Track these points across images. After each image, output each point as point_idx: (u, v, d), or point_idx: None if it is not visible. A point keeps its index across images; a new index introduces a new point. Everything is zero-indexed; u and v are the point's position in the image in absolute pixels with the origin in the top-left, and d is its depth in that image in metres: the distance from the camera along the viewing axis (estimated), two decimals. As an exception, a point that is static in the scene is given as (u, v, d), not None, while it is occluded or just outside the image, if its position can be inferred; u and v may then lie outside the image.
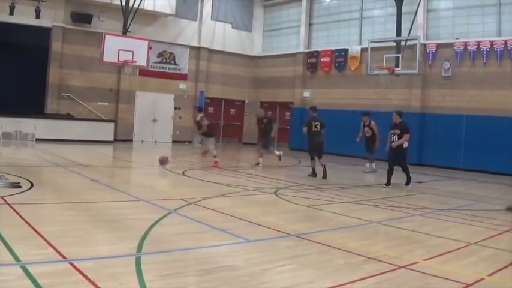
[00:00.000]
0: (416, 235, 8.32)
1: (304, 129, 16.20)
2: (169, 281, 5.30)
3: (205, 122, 16.34)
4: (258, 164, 17.31)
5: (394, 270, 6.14)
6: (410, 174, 14.67)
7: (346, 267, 6.21)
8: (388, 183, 14.18)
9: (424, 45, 22.98)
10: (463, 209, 11.16)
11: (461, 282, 5.74)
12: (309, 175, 15.87)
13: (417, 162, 22.17)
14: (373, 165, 18.38)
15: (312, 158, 16.11)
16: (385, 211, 10.76)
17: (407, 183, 14.57)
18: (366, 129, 18.17)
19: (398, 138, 14.05)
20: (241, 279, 5.52)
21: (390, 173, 14.20)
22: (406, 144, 14.22)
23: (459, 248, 7.45)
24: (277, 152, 18.12)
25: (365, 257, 6.63)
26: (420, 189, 14.75)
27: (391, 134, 14.31)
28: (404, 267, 6.28)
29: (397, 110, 15.27)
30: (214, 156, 16.66)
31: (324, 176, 15.43)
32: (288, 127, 29.29)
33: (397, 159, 14.32)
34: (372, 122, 18.16)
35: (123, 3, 22.80)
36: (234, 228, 7.91)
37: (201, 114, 17.00)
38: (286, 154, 21.71)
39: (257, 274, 5.73)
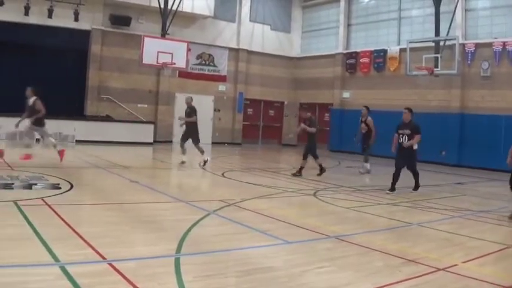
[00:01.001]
0: (456, 237, 8.12)
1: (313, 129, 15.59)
2: (208, 282, 5.24)
3: None
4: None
5: (433, 272, 6.01)
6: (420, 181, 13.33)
7: (385, 270, 6.11)
8: (393, 189, 12.71)
9: (463, 45, 22.49)
10: (502, 211, 10.82)
11: (499, 285, 5.60)
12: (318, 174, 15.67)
13: (456, 164, 21.83)
14: (368, 165, 17.43)
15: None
16: (425, 213, 10.49)
17: (416, 188, 13.13)
18: (362, 125, 17.38)
19: (408, 139, 12.61)
20: (280, 280, 5.46)
21: (396, 177, 12.75)
22: (416, 146, 12.84)
23: (498, 251, 7.28)
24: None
25: (404, 259, 6.52)
26: (460, 190, 14.42)
27: (399, 134, 12.83)
28: (443, 269, 6.13)
29: (407, 107, 13.54)
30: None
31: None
32: (328, 128, 29.00)
33: (407, 162, 12.89)
34: (369, 118, 17.25)
35: (162, 6, 22.90)
36: (273, 230, 7.79)
37: None
38: (325, 156, 21.51)
39: (296, 276, 5.64)
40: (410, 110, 13.02)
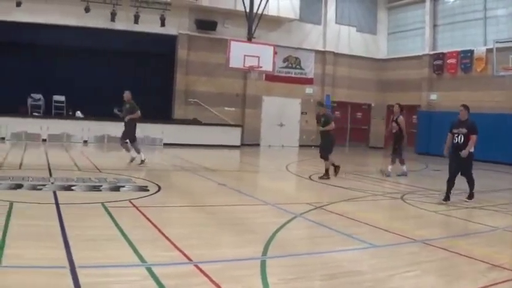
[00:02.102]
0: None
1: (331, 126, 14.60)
2: (293, 285, 5.17)
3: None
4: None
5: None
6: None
7: (470, 275, 5.89)
8: (447, 198, 10.98)
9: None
10: None
11: None
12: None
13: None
14: (404, 167, 16.04)
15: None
16: (511, 217, 9.98)
17: (470, 196, 11.36)
18: (393, 124, 16.29)
19: (464, 139, 10.88)
20: (365, 284, 5.33)
21: (451, 185, 11.03)
22: (472, 148, 10.86)
23: None
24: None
25: (490, 264, 6.22)
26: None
27: (454, 134, 11.29)
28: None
29: (463, 103, 11.61)
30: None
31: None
32: (415, 131, 28.17)
33: (462, 166, 11.07)
34: (401, 117, 16.18)
35: (247, 10, 22.98)
36: (360, 233, 7.58)
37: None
38: (412, 159, 20.94)
39: (381, 280, 5.49)
40: (466, 107, 11.35)
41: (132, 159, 15.22)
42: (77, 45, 23.87)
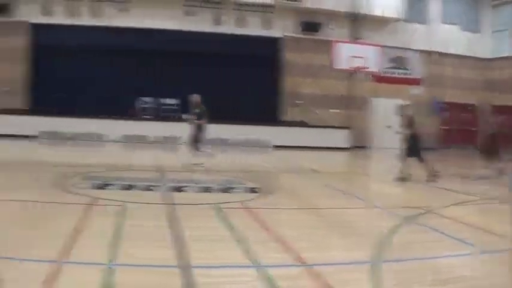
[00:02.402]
0: None
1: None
2: None
3: None
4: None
5: None
6: None
7: None
8: None
9: None
10: None
11: None
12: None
13: None
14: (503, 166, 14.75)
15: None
16: None
17: None
18: (492, 122, 15.07)
19: None
20: None
21: None
22: None
23: None
24: None
25: None
26: None
27: None
28: None
29: None
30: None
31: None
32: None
33: None
34: (502, 118, 14.84)
35: (351, 10, 22.77)
36: (471, 238, 7.28)
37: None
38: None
39: (497, 286, 5.28)
40: None
41: (196, 164, 15.04)
42: (181, 48, 24.38)
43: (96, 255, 5.49)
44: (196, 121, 14.96)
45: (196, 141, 15.18)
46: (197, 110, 15.06)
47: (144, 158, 17.20)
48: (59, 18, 23.43)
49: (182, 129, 22.28)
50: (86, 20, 23.50)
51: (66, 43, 23.34)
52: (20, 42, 23.91)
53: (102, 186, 10.22)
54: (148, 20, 23.53)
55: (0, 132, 21.27)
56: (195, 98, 15.20)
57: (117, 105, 22.56)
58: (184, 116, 15.61)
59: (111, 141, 22.01)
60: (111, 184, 10.48)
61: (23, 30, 23.99)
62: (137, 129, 22.54)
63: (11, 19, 23.91)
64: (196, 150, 15.05)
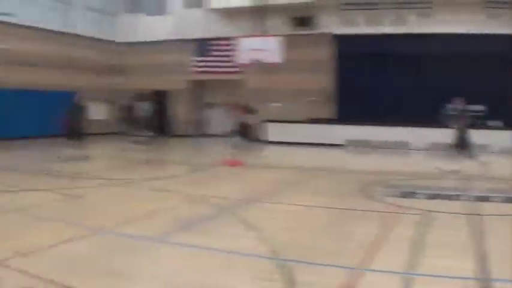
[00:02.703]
0: None
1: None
2: None
3: None
4: None
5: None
6: None
7: None
8: None
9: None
10: None
11: None
12: None
13: None
14: None
15: None
16: None
17: None
18: None
19: None
20: None
21: None
22: None
23: None
24: None
25: None
26: None
27: None
28: None
29: None
30: None
31: None
32: None
33: None
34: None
35: None
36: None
37: None
38: None
39: None
40: None
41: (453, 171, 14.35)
42: (485, 52, 23.06)
43: (394, 264, 5.59)
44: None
45: (460, 146, 14.53)
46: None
47: (449, 165, 16.57)
48: (360, 28, 24.00)
49: (491, 137, 21.29)
50: (386, 28, 23.72)
51: (368, 52, 23.89)
52: (324, 54, 25.13)
53: (405, 195, 10.30)
54: (449, 25, 22.85)
55: (309, 141, 22.64)
56: (457, 101, 14.48)
57: (420, 113, 22.20)
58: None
59: (416, 149, 21.82)
60: (413, 192, 10.51)
61: (326, 41, 25.17)
62: (441, 136, 21.89)
63: (315, 31, 25.30)
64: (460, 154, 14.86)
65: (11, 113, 22.43)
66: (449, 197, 10.01)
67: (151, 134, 22.78)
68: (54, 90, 23.70)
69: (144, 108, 24.16)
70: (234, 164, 15.44)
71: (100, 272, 5.38)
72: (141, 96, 25.63)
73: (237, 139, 18.57)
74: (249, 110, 20.00)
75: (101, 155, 18.94)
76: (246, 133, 19.72)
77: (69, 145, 16.66)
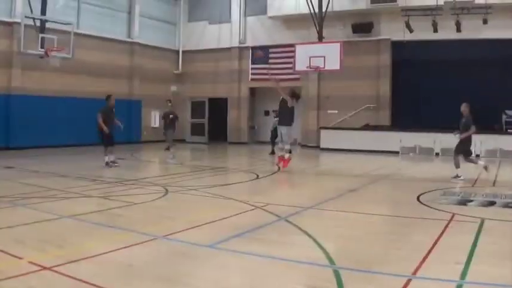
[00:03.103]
0: None
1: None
2: None
3: None
4: None
5: None
6: None
7: None
8: None
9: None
10: None
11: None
12: None
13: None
14: None
15: None
16: None
17: None
18: None
19: None
20: None
21: None
22: None
23: None
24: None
25: None
26: None
27: None
28: None
29: None
30: None
31: None
32: None
33: None
34: None
35: None
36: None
37: None
38: None
39: None
40: None
41: (456, 176, 14.22)
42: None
43: (448, 272, 5.62)
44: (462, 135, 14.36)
45: (457, 152, 14.43)
46: (463, 120, 14.25)
47: (509, 173, 16.42)
48: (418, 34, 23.90)
49: None
50: (445, 34, 23.54)
51: (425, 58, 23.91)
52: (383, 60, 25.23)
53: (462, 202, 10.32)
54: (508, 30, 22.68)
55: (368, 148, 22.75)
56: (463, 107, 14.36)
57: (478, 120, 21.96)
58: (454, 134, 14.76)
59: (474, 155, 21.45)
60: (471, 200, 10.53)
61: (386, 47, 25.23)
62: (502, 143, 21.69)
63: (374, 38, 25.40)
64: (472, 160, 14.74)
65: (78, 121, 23.53)
66: (506, 205, 9.98)
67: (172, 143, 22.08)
68: (118, 98, 24.45)
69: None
70: (286, 163, 15.90)
71: (157, 278, 5.40)
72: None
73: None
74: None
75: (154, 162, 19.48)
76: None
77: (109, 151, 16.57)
